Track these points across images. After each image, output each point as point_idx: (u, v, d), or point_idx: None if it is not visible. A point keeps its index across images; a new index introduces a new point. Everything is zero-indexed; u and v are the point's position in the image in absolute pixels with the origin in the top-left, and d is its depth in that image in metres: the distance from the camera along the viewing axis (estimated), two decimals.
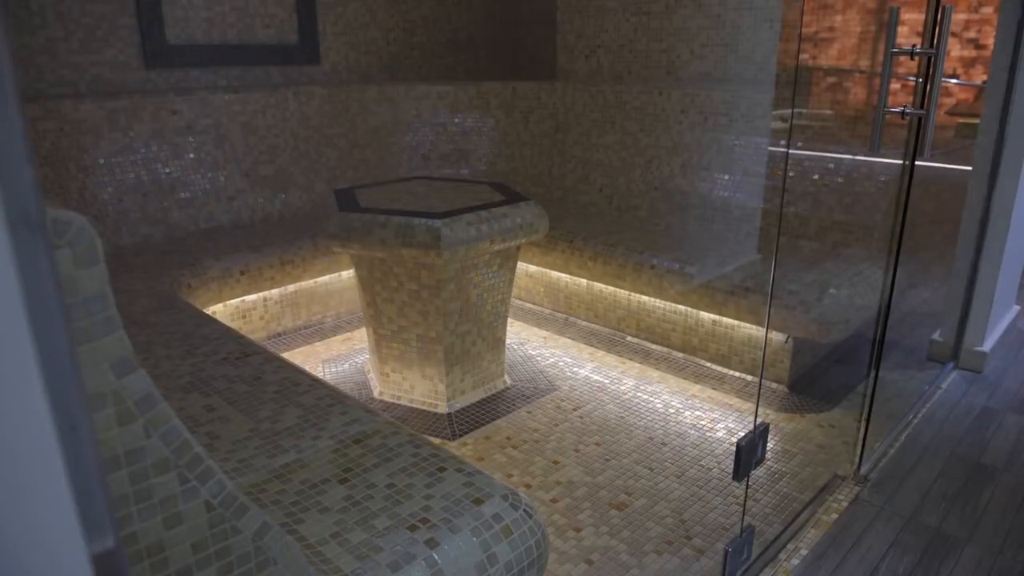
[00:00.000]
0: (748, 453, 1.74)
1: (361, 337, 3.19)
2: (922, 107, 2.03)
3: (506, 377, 2.83)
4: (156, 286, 2.54)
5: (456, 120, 4.03)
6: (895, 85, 2.24)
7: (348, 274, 3.34)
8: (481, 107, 4.05)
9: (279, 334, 3.18)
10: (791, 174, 3.15)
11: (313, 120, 3.66)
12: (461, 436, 2.44)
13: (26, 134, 0.40)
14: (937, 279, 3.85)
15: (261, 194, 3.49)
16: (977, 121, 3.05)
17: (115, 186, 3.06)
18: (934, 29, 1.99)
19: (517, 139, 4.10)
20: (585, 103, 3.83)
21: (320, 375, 2.85)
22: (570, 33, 4.04)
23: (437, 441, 2.38)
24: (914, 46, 1.99)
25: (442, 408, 2.58)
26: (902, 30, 2.85)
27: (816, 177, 3.11)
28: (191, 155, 3.28)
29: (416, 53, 4.45)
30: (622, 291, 3.18)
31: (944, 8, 1.95)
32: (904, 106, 2.06)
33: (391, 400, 2.65)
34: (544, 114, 4.04)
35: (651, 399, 2.70)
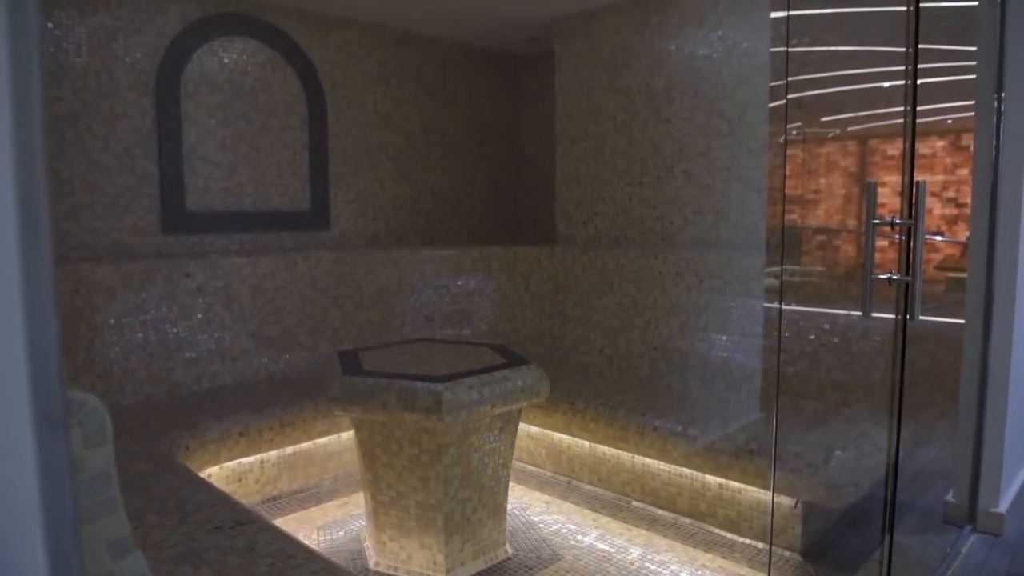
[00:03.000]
0: None
1: (358, 501, 3.11)
2: (908, 274, 2.11)
3: (507, 546, 2.72)
4: (154, 448, 2.52)
5: (459, 282, 4.15)
6: (883, 242, 2.34)
7: (347, 435, 3.31)
8: (483, 270, 4.19)
9: (275, 498, 3.10)
10: (787, 334, 3.20)
11: (320, 282, 3.78)
12: None
13: (60, 346, 0.44)
14: (944, 437, 3.80)
15: (265, 354, 3.54)
16: (965, 276, 3.14)
17: (123, 346, 3.11)
18: (911, 202, 2.10)
19: (518, 301, 4.20)
20: (584, 266, 3.96)
21: (315, 543, 2.75)
22: (568, 201, 4.26)
23: None
24: (894, 217, 2.10)
25: None
26: (883, 191, 3.01)
27: (812, 337, 3.16)
28: (199, 315, 3.36)
29: (422, 219, 4.67)
30: (625, 453, 3.13)
31: (918, 184, 2.07)
32: (891, 272, 2.14)
33: (387, 571, 2.54)
34: (544, 276, 4.17)
35: (659, 570, 2.59)
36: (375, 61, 4.36)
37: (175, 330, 3.27)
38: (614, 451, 3.17)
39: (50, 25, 3.12)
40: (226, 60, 3.70)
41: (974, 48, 2.71)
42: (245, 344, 3.48)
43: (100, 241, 3.34)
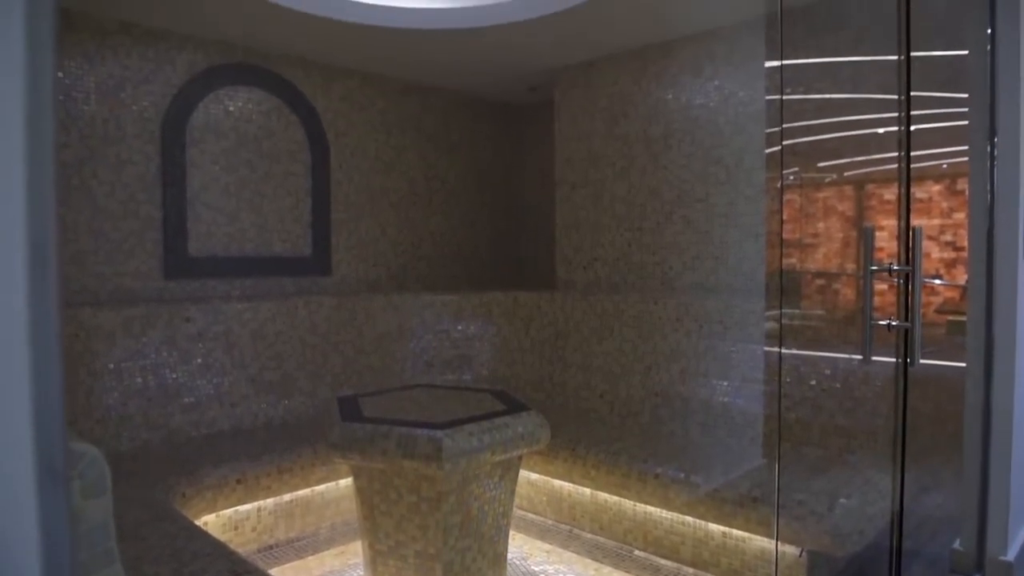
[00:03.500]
0: None
1: (356, 550, 3.06)
2: (907, 320, 2.11)
3: None
4: (150, 495, 2.49)
5: (459, 327, 4.16)
6: (882, 285, 2.35)
7: (346, 482, 3.27)
8: (484, 315, 4.20)
9: (271, 547, 3.05)
10: (788, 379, 3.19)
11: (321, 327, 3.78)
12: None
13: (64, 400, 0.44)
14: (949, 483, 3.76)
15: (265, 400, 3.52)
16: (965, 319, 3.13)
17: (121, 391, 3.10)
18: (908, 249, 2.12)
19: (518, 346, 4.20)
20: (584, 311, 3.97)
21: None
22: (568, 247, 4.29)
23: None
24: (891, 263, 2.12)
25: None
26: (881, 235, 3.03)
27: (814, 382, 3.15)
28: (199, 360, 3.35)
29: (423, 265, 4.70)
30: (627, 501, 3.09)
31: (914, 230, 2.09)
32: (890, 317, 2.14)
33: None
34: (544, 322, 4.17)
35: None
36: (378, 110, 4.44)
37: (174, 375, 3.27)
38: (616, 499, 3.13)
39: (60, 74, 3.19)
40: (231, 108, 3.76)
41: (966, 95, 2.77)
42: (244, 389, 3.46)
43: (102, 286, 3.36)
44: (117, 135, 3.38)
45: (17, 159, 0.41)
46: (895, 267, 2.13)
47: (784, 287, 3.44)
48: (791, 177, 3.52)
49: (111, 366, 3.09)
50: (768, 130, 3.37)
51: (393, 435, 2.29)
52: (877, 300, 2.17)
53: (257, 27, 3.53)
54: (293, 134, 4.02)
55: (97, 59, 3.33)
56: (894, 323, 2.13)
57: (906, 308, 2.14)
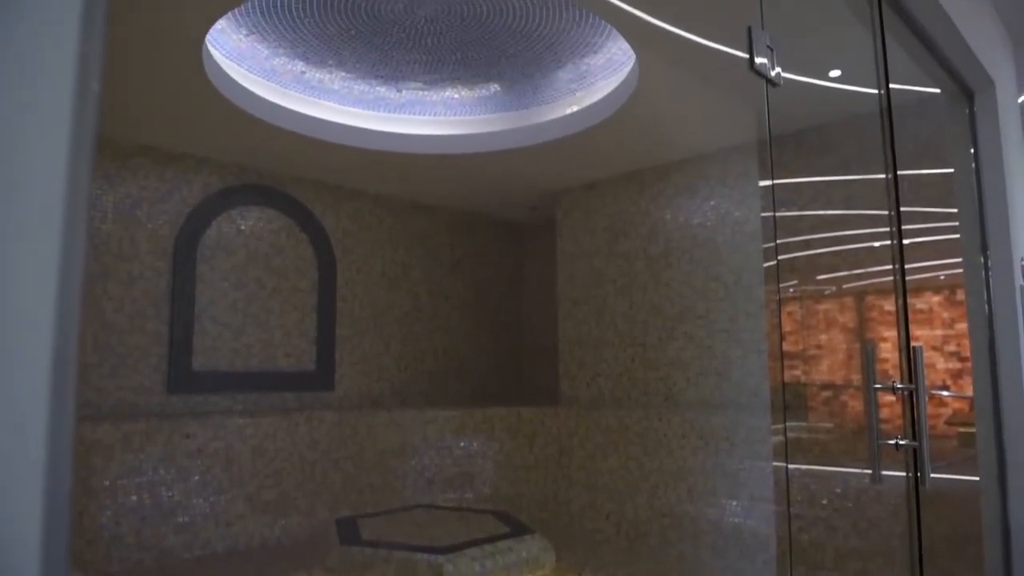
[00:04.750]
0: None
1: None
2: (914, 438, 2.08)
3: None
4: None
5: (462, 444, 4.09)
6: (890, 396, 2.33)
7: None
8: (487, 431, 4.14)
9: None
10: (798, 498, 3.11)
11: (322, 444, 3.73)
12: None
13: (70, 540, 0.45)
14: None
15: (261, 520, 3.42)
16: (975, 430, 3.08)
17: (115, 509, 3.02)
18: (910, 366, 2.12)
19: (522, 463, 4.12)
20: (588, 428, 3.92)
21: None
22: (571, 362, 4.29)
23: None
24: (894, 381, 2.11)
25: None
26: (885, 346, 3.03)
27: (825, 502, 3.06)
28: (197, 478, 3.29)
29: (426, 379, 4.69)
30: None
31: (915, 349, 2.10)
32: (897, 436, 2.11)
33: None
34: (548, 438, 4.11)
35: None
36: (385, 228, 4.57)
37: (170, 493, 3.19)
38: None
39: None
40: (243, 227, 3.88)
41: (955, 210, 2.85)
42: (241, 508, 3.37)
43: (104, 400, 3.35)
44: (131, 252, 3.48)
45: (51, 279, 0.43)
46: (898, 385, 2.12)
47: (790, 401, 3.41)
48: (791, 290, 3.57)
49: (106, 483, 3.03)
50: (765, 245, 3.46)
51: (393, 560, 2.22)
52: (885, 411, 2.15)
53: (271, 150, 3.70)
54: (302, 252, 4.12)
55: (117, 180, 3.47)
56: (902, 442, 2.10)
57: (913, 426, 2.11)
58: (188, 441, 3.30)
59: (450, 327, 4.91)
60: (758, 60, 1.45)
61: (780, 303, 3.27)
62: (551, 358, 4.75)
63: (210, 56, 2.94)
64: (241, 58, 3.21)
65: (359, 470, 3.83)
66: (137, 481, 3.12)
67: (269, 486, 3.49)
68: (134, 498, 3.09)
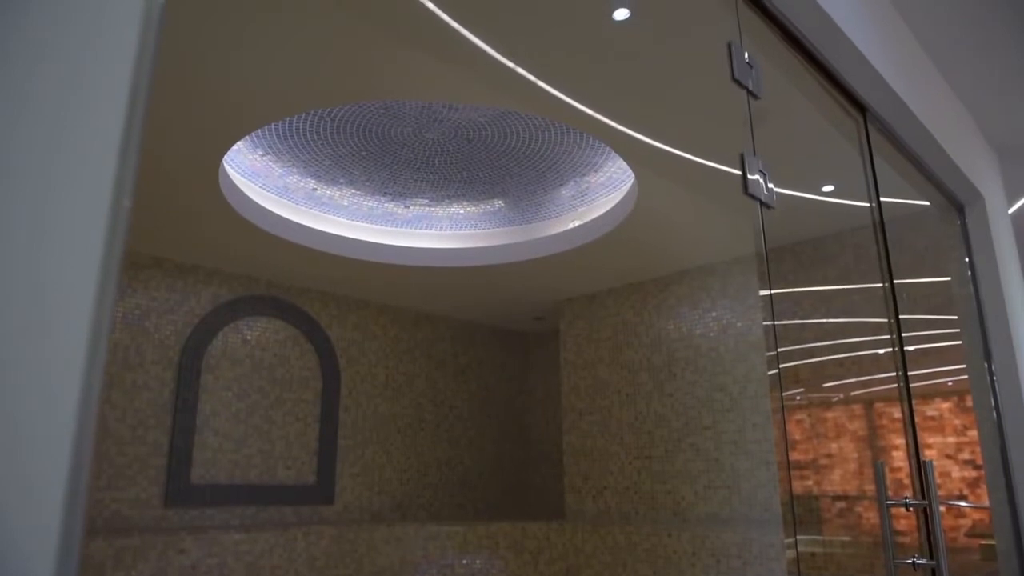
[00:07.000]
0: None
1: None
2: (931, 558, 2.01)
3: None
4: None
5: (464, 561, 3.95)
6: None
7: None
8: (490, 547, 4.00)
9: None
10: None
11: (319, 561, 3.60)
12: None
13: None
14: None
15: None
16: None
17: None
18: (922, 481, 2.08)
19: None
20: (595, 545, 3.79)
21: None
22: (577, 475, 4.20)
23: None
24: (906, 497, 2.06)
25: None
26: (897, 455, 2.96)
27: None
28: None
29: (428, 492, 4.58)
30: None
31: (925, 464, 2.07)
32: (915, 555, 2.04)
33: None
34: (554, 555, 3.97)
35: None
36: (390, 338, 4.60)
37: None
38: None
39: None
40: (249, 337, 3.92)
41: (955, 317, 2.87)
42: None
43: (99, 513, 3.27)
44: (136, 361, 3.50)
45: (73, 391, 0.44)
46: (911, 501, 2.06)
47: (802, 513, 3.32)
48: (798, 398, 3.55)
49: None
50: (768, 353, 3.46)
51: None
52: (903, 523, 2.09)
53: (281, 263, 3.79)
54: (307, 362, 4.13)
55: (128, 291, 3.54)
56: (920, 561, 2.02)
57: (929, 543, 2.05)
58: (182, 557, 3.20)
59: (453, 437, 4.84)
60: (751, 182, 1.51)
61: (784, 412, 3.25)
62: (556, 468, 4.66)
63: (226, 174, 3.07)
64: (256, 176, 3.35)
65: None
66: None
67: None
68: None
